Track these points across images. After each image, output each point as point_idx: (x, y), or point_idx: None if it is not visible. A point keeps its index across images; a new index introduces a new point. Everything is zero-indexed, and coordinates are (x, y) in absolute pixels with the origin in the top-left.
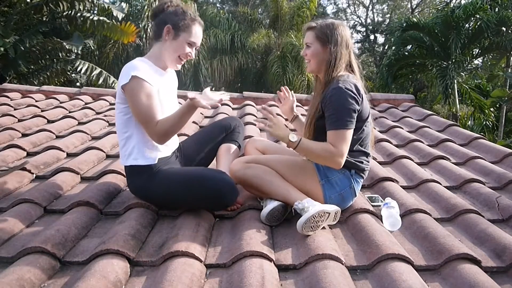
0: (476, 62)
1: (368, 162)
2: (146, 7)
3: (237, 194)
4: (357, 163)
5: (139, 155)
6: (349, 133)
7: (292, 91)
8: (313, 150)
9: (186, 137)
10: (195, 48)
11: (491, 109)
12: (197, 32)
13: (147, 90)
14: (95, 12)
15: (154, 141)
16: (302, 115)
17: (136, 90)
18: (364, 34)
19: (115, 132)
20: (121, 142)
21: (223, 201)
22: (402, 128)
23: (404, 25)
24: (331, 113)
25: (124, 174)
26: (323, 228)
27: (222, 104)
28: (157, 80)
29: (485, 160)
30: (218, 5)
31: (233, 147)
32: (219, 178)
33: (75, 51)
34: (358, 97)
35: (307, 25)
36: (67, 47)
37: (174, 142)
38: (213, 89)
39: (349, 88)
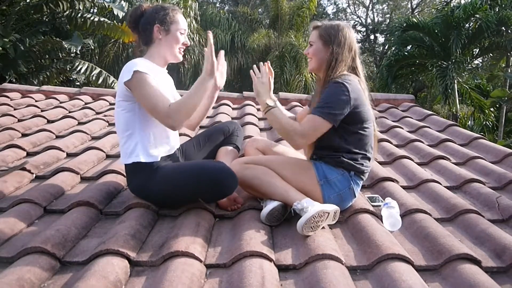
0: (476, 62)
1: (368, 164)
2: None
3: (236, 181)
4: (357, 165)
5: (141, 152)
6: (324, 124)
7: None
8: (280, 121)
9: (186, 139)
10: (186, 34)
11: (491, 109)
12: (183, 19)
13: (151, 81)
14: (95, 11)
15: (169, 126)
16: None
17: (141, 83)
18: (364, 34)
19: (115, 132)
20: (122, 140)
21: (223, 189)
22: (402, 128)
23: (404, 25)
24: (319, 101)
25: (124, 174)
26: (323, 228)
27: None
28: (157, 77)
29: (485, 160)
30: (218, 5)
31: (232, 149)
32: (217, 166)
33: (74, 50)
34: (352, 96)
35: (313, 23)
36: (66, 47)
37: (175, 141)
38: None
39: (345, 84)
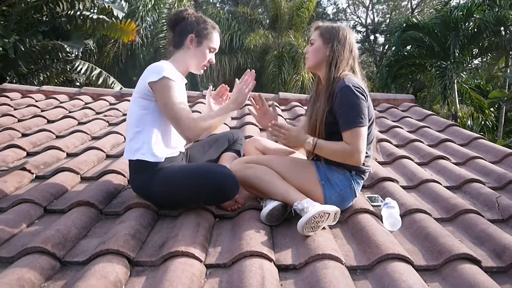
0: (476, 62)
1: (369, 164)
2: (141, 7)
3: (238, 187)
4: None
5: (147, 151)
6: (364, 130)
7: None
8: (331, 151)
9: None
10: (215, 53)
11: (491, 109)
12: (217, 39)
13: (178, 90)
14: (95, 11)
15: (186, 137)
16: (300, 115)
17: (169, 89)
18: (364, 34)
19: (115, 132)
20: (130, 135)
21: (225, 194)
22: (402, 128)
23: (404, 25)
24: (344, 112)
25: (124, 174)
26: (323, 228)
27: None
28: (179, 85)
29: (485, 160)
30: (218, 5)
31: (235, 155)
32: (220, 171)
33: (75, 53)
34: (365, 95)
35: (315, 23)
36: (68, 49)
37: (181, 144)
38: (213, 89)
39: (356, 86)
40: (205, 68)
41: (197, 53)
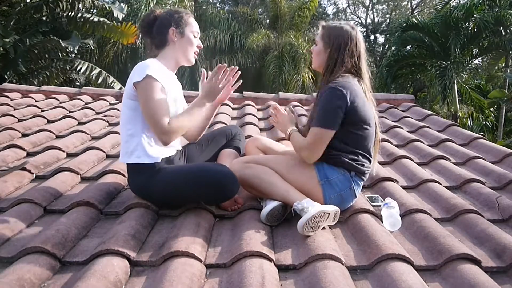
0: (476, 62)
1: (368, 165)
2: (143, 6)
3: (238, 185)
4: (358, 165)
5: (142, 153)
6: (327, 133)
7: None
8: (295, 143)
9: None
10: (199, 37)
11: (491, 109)
12: (195, 22)
13: (159, 90)
14: (95, 12)
15: (161, 140)
16: (302, 115)
17: (149, 89)
18: (364, 34)
19: (115, 132)
20: (124, 138)
21: (224, 192)
22: (402, 128)
23: (404, 25)
24: (318, 110)
25: (124, 174)
26: (323, 228)
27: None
28: (167, 82)
29: (485, 160)
30: (218, 5)
31: (234, 152)
32: (219, 169)
33: (71, 49)
34: (348, 98)
35: (320, 23)
36: (64, 46)
37: (177, 142)
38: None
39: (339, 88)
40: (196, 55)
41: (183, 42)
